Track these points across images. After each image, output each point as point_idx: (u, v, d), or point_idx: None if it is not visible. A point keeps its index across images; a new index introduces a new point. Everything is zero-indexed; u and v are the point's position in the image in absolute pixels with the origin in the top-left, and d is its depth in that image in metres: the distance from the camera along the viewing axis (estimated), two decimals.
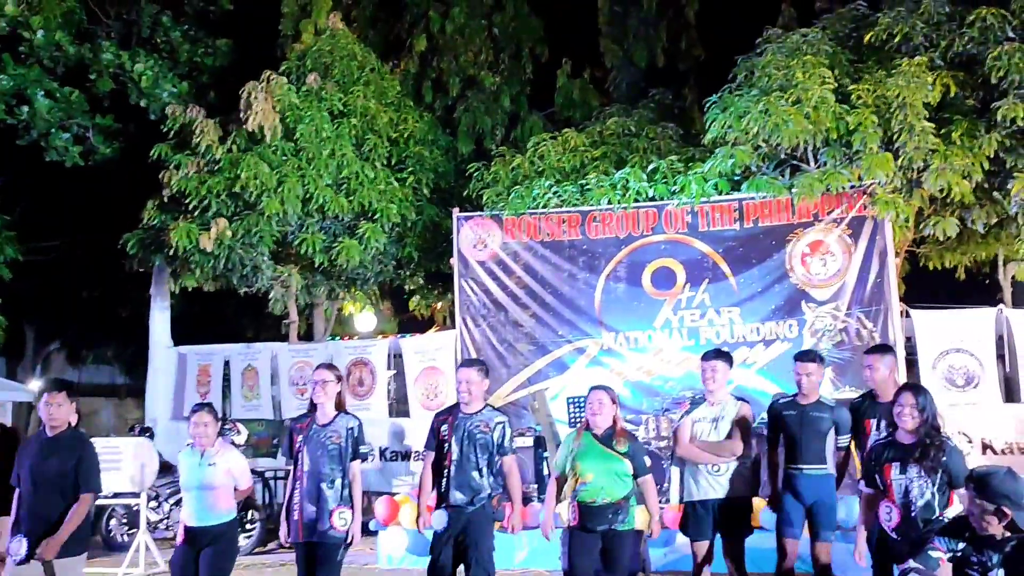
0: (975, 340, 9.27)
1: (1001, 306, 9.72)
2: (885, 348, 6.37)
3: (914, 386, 5.18)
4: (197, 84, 13.79)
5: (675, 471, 7.79)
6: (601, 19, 14.52)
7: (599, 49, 14.56)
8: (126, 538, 9.85)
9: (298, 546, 5.50)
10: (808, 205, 9.60)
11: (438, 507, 5.57)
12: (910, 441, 4.79)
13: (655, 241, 10.13)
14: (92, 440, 6.94)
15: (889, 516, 4.78)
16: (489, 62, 14.48)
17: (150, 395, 12.21)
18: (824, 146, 9.32)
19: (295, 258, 11.57)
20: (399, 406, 11.67)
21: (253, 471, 10.23)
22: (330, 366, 5.75)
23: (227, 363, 11.92)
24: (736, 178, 9.84)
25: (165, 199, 11.13)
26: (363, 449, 5.59)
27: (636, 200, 10.07)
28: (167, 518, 9.90)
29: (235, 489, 5.77)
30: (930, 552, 4.33)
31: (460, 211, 10.82)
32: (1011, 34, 9.06)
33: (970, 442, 8.97)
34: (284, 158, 10.92)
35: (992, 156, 8.87)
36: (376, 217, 11.13)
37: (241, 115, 10.91)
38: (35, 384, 19.14)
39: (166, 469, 9.51)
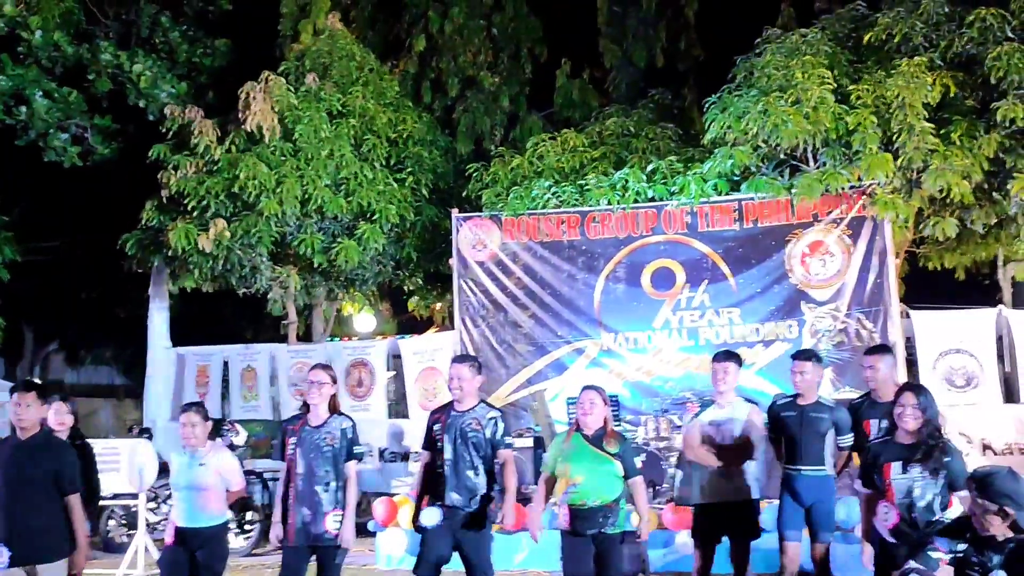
0: (975, 341, 9.27)
1: (1001, 307, 9.72)
2: (885, 348, 6.37)
3: (915, 386, 5.13)
4: (196, 84, 13.76)
5: (677, 472, 7.77)
6: (600, 19, 14.52)
7: (598, 49, 14.55)
8: (125, 539, 9.82)
9: (288, 549, 5.40)
10: (807, 205, 9.60)
11: (431, 506, 5.46)
12: (911, 441, 4.73)
13: (654, 241, 10.13)
14: (91, 441, 6.95)
15: (887, 517, 4.70)
16: (488, 62, 14.46)
17: (149, 396, 12.20)
18: (823, 146, 9.32)
19: (294, 259, 11.55)
20: (398, 407, 11.67)
21: (252, 472, 10.30)
22: (325, 367, 5.66)
23: (226, 364, 11.91)
24: (735, 178, 9.84)
25: (164, 200, 11.12)
26: (358, 450, 5.51)
27: (635, 200, 10.07)
28: (166, 519, 9.87)
29: (227, 491, 5.68)
30: (930, 553, 4.32)
31: (459, 212, 10.82)
32: (1010, 34, 9.05)
33: (970, 443, 8.97)
34: (283, 159, 10.90)
35: (992, 156, 8.87)
36: (375, 218, 11.12)
37: (240, 115, 10.90)
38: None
39: (165, 470, 9.47)
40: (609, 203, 10.11)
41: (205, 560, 5.47)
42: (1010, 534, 3.72)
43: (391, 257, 11.95)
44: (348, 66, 12.14)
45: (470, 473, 5.42)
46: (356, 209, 11.14)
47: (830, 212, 9.62)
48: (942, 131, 8.99)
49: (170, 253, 10.86)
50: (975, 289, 11.62)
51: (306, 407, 5.55)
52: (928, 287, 11.26)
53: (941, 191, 8.98)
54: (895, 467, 4.71)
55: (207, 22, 14.31)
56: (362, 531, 9.13)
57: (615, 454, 5.43)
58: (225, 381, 11.93)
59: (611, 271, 10.20)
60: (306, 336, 13.26)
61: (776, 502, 6.20)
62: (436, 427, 5.55)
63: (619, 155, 10.80)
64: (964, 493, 4.46)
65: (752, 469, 5.76)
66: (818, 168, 9.41)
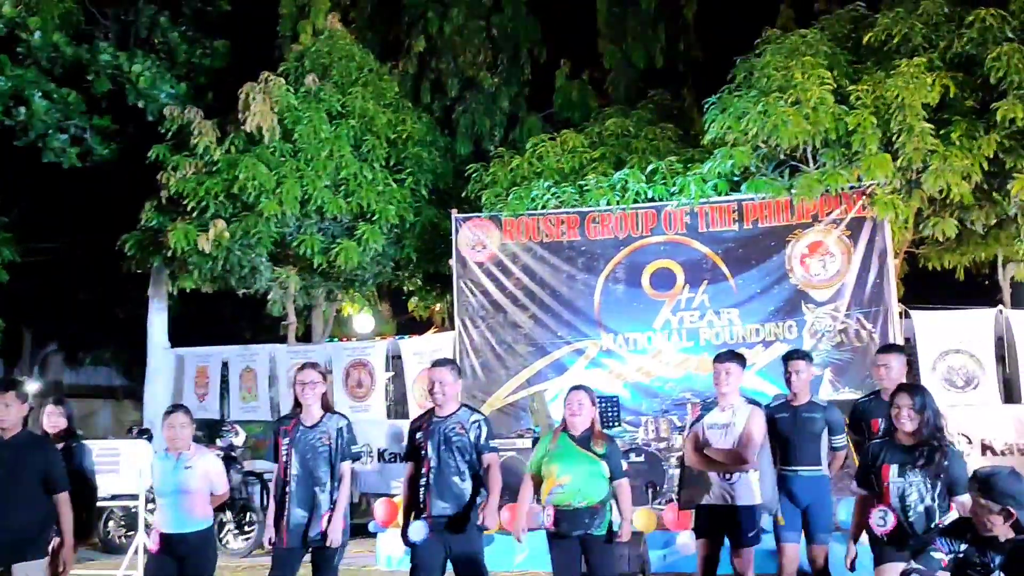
0: (974, 341, 9.27)
1: (1000, 307, 9.72)
2: (897, 347, 6.32)
3: (910, 386, 4.96)
4: (195, 85, 13.75)
5: (677, 473, 7.76)
6: (600, 20, 14.51)
7: (598, 50, 14.54)
8: (124, 540, 9.82)
9: (280, 550, 5.28)
10: (807, 206, 9.61)
11: (418, 518, 5.26)
12: (911, 443, 4.62)
13: (654, 242, 10.13)
14: (90, 442, 6.94)
15: (884, 521, 4.60)
16: (488, 63, 14.46)
17: (148, 397, 12.19)
18: (823, 147, 9.32)
19: (293, 259, 11.54)
20: (397, 407, 11.66)
21: (252, 473, 10.30)
22: (314, 365, 5.55)
23: (225, 364, 11.90)
24: (735, 179, 9.84)
25: (163, 200, 11.11)
26: (355, 449, 5.44)
27: (635, 201, 10.07)
28: None
29: (212, 494, 5.53)
30: (931, 553, 4.30)
31: (459, 212, 10.81)
32: (1010, 35, 9.05)
33: (970, 443, 8.98)
34: (282, 159, 10.90)
35: (991, 157, 8.86)
36: (375, 218, 11.12)
37: (239, 116, 10.89)
38: (33, 386, 19.12)
39: None
40: (609, 204, 10.10)
41: (193, 567, 5.32)
42: (1012, 534, 3.70)
43: (391, 258, 11.95)
44: (347, 67, 12.13)
45: (456, 479, 5.26)
46: (356, 210, 11.14)
47: (830, 213, 9.62)
48: (942, 132, 8.99)
49: (169, 254, 10.85)
50: (975, 289, 11.61)
51: (298, 407, 5.45)
52: (928, 287, 11.25)
53: (941, 191, 8.98)
54: (893, 469, 4.62)
55: (206, 23, 14.31)
56: (363, 532, 9.15)
57: (602, 455, 5.36)
58: (224, 382, 11.92)
59: (611, 272, 10.20)
60: (305, 337, 13.26)
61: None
62: (419, 435, 5.37)
63: (619, 156, 10.80)
64: (963, 499, 4.42)
65: (754, 473, 5.59)
66: (818, 169, 9.41)
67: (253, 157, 10.66)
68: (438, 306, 13.86)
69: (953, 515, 4.49)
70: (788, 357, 6.17)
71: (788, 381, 6.06)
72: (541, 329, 10.34)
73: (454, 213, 10.79)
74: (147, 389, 12.24)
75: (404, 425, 10.80)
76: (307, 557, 5.42)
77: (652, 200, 10.07)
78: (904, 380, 5.75)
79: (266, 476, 11.03)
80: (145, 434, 10.58)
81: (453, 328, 10.82)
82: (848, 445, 6.10)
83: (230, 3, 14.21)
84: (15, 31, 12.16)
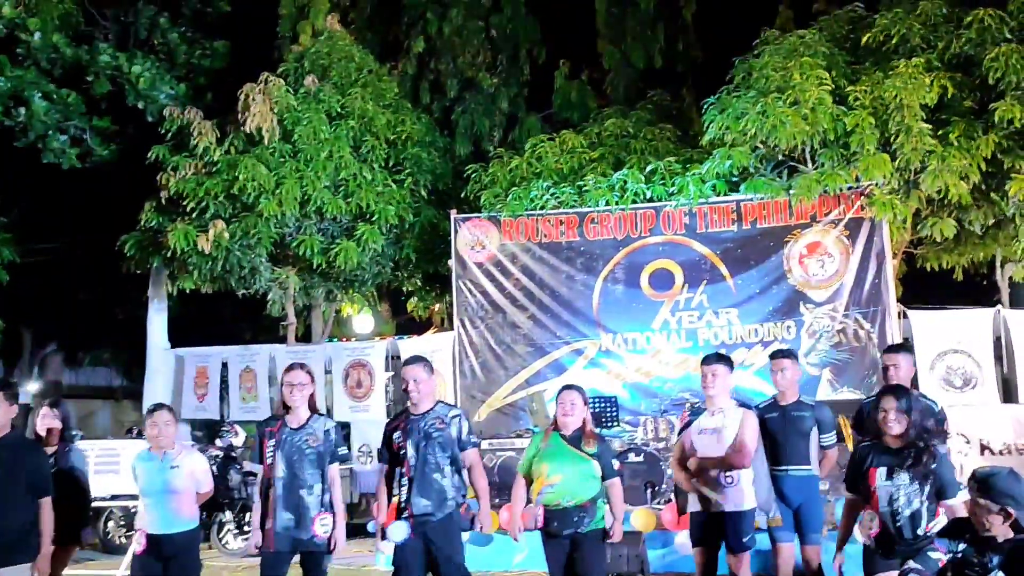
0: (973, 341, 9.27)
1: (999, 307, 9.72)
2: (905, 346, 6.32)
3: (895, 388, 4.86)
4: (195, 86, 13.76)
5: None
6: (599, 20, 14.54)
7: (597, 50, 14.57)
8: (124, 540, 9.84)
9: (267, 554, 5.19)
10: (806, 206, 9.62)
11: (398, 518, 5.19)
12: (898, 446, 4.58)
13: (653, 242, 10.14)
14: (90, 443, 6.95)
15: (871, 525, 4.58)
16: (487, 63, 14.48)
17: (148, 397, 12.15)
18: (822, 147, 9.33)
19: (293, 260, 11.55)
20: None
21: (251, 473, 10.29)
22: (302, 365, 5.51)
23: (225, 365, 11.89)
24: (734, 179, 9.85)
25: (163, 201, 11.11)
26: (342, 451, 5.39)
27: (634, 201, 10.08)
28: None
29: (197, 493, 5.51)
30: (930, 553, 4.31)
31: (458, 213, 10.82)
32: (1008, 35, 9.06)
33: (968, 443, 8.98)
34: (282, 160, 10.91)
35: (989, 157, 8.88)
36: (374, 219, 11.12)
37: (239, 117, 10.89)
38: (32, 386, 19.14)
39: None
40: (608, 204, 10.11)
41: (179, 568, 5.28)
42: (1011, 534, 3.72)
43: (390, 258, 11.95)
44: (347, 67, 12.13)
45: (436, 476, 5.20)
46: (355, 210, 11.15)
47: (828, 213, 9.63)
48: (940, 132, 9.00)
49: (169, 254, 10.84)
50: (973, 289, 11.62)
51: (284, 408, 5.40)
52: (926, 287, 11.27)
53: (939, 192, 9.00)
54: (880, 473, 4.58)
55: (206, 23, 14.32)
56: (362, 532, 9.17)
57: (593, 455, 5.34)
58: (224, 382, 11.91)
59: (610, 272, 10.21)
60: (305, 337, 13.26)
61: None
62: (396, 435, 5.31)
63: (618, 156, 10.81)
64: (952, 503, 4.44)
65: (746, 477, 5.52)
66: (816, 169, 9.42)
67: (253, 158, 10.67)
68: (437, 306, 13.87)
69: (941, 521, 4.45)
70: (773, 356, 6.18)
71: (774, 380, 6.07)
72: (540, 329, 10.34)
73: (453, 213, 10.80)
74: (147, 389, 12.22)
75: None
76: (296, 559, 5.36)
77: (651, 200, 10.08)
78: (910, 380, 5.74)
79: None
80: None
81: (452, 328, 10.83)
82: (845, 444, 6.11)
83: (230, 4, 14.22)
84: (15, 32, 12.16)
